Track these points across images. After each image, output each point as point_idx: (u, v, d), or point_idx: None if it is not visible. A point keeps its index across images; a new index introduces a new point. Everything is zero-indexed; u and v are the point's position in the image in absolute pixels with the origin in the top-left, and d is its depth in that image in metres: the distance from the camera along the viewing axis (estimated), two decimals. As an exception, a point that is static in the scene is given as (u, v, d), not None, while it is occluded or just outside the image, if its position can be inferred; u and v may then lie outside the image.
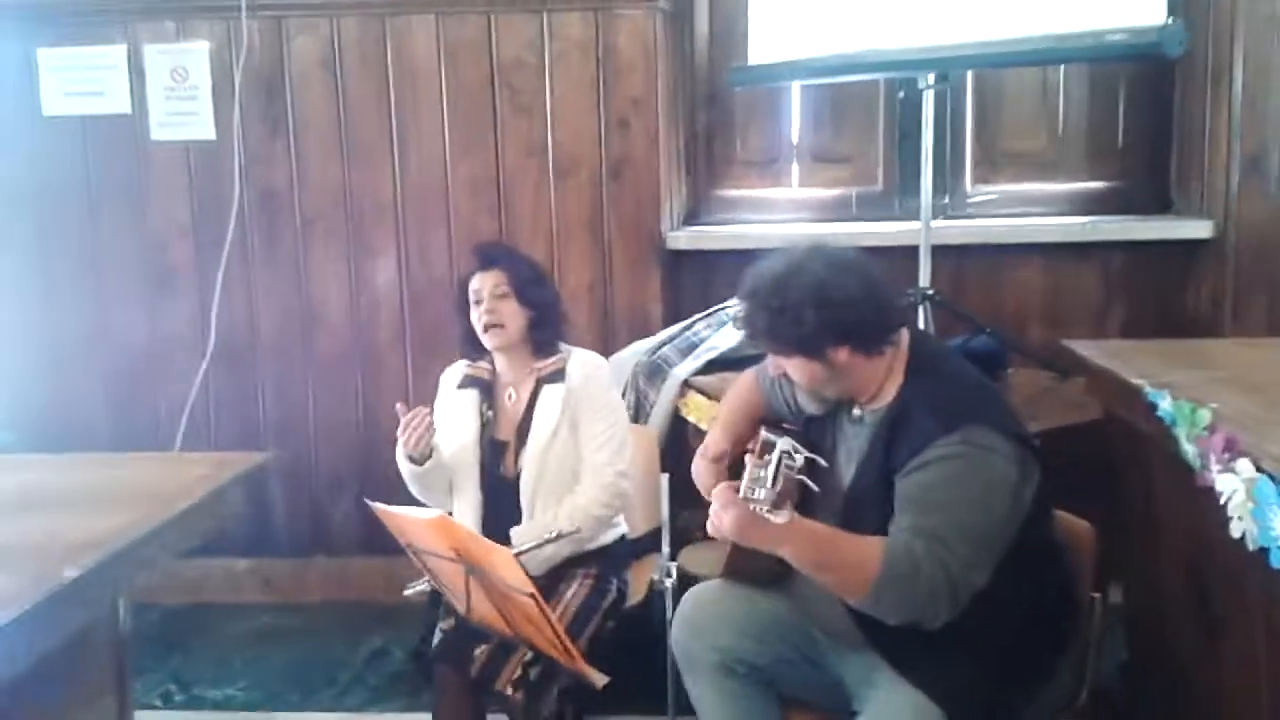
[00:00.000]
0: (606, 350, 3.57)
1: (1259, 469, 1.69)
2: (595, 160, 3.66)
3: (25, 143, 3.75)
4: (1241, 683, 2.08)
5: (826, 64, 3.25)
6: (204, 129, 3.70)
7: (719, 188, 3.97)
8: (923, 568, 1.82)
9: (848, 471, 2.08)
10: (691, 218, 3.96)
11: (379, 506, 2.14)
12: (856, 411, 2.10)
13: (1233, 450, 1.76)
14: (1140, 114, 3.76)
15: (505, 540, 2.49)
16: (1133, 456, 2.50)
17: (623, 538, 2.67)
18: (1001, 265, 3.71)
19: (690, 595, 2.23)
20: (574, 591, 2.50)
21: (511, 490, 2.56)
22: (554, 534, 2.39)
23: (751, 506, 1.83)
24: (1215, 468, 1.78)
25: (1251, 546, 1.68)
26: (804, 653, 2.15)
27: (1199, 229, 3.50)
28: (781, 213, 3.93)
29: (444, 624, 2.44)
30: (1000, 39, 2.71)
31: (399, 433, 2.51)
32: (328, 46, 3.66)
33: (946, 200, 3.81)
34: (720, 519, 1.89)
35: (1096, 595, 2.18)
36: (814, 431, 2.16)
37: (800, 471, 1.86)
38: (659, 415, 3.26)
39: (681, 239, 3.72)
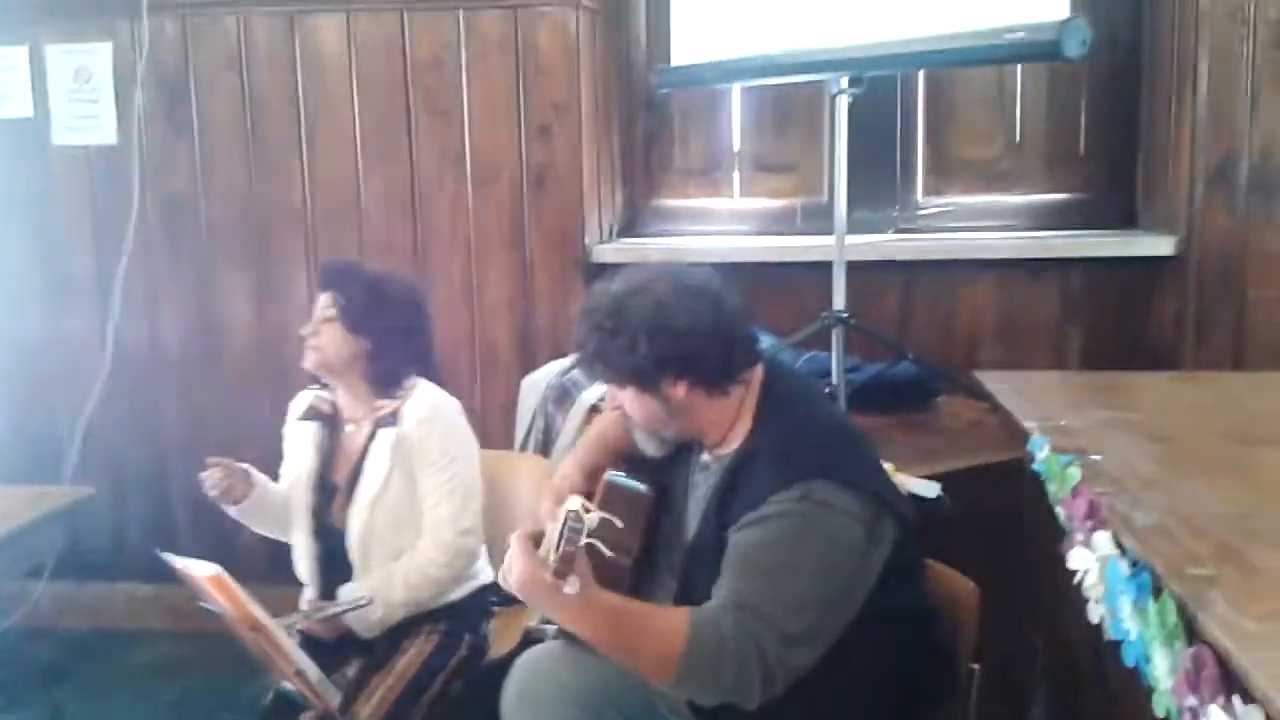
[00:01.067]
0: (524, 370, 3.35)
1: (1118, 544, 1.43)
2: (516, 168, 3.44)
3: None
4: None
5: (751, 65, 3.02)
6: (106, 133, 3.52)
7: (657, 197, 3.74)
8: (730, 646, 1.59)
9: (692, 524, 1.86)
10: (628, 229, 3.73)
11: (169, 557, 1.93)
12: (705, 457, 1.88)
13: (1095, 518, 1.50)
14: (1103, 120, 3.48)
15: (332, 596, 2.29)
16: (1036, 503, 2.24)
17: (482, 589, 2.42)
18: (953, 283, 3.43)
19: (522, 660, 1.99)
20: (417, 649, 2.26)
21: (342, 540, 2.32)
22: (341, 608, 2.19)
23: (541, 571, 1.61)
24: (1078, 538, 1.53)
25: (1106, 637, 1.43)
26: (644, 726, 1.91)
27: (1160, 245, 3.21)
28: (722, 224, 3.69)
29: (277, 684, 2.23)
30: (903, 39, 2.46)
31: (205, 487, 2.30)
32: (234, 46, 3.47)
33: (896, 212, 3.57)
34: (509, 570, 1.67)
35: (975, 666, 1.95)
36: (668, 474, 1.94)
37: (595, 534, 1.62)
38: (565, 441, 3.03)
39: (608, 252, 3.48)
